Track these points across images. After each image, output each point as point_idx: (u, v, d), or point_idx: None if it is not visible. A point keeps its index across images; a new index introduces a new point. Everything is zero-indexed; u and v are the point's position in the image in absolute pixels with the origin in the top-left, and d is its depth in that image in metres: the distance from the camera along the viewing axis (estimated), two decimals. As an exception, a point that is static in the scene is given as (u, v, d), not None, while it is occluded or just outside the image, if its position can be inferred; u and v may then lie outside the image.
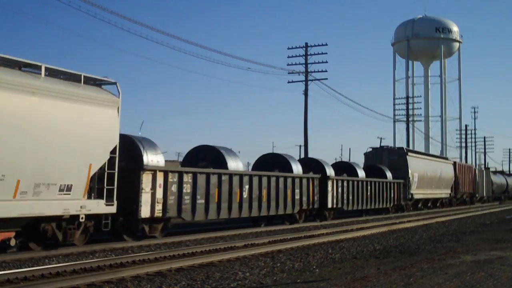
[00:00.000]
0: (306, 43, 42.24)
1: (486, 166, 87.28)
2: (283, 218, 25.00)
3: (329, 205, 27.45)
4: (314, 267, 12.72)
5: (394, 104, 65.92)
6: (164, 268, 11.76)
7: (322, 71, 42.17)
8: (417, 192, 41.47)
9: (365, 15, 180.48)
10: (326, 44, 42.09)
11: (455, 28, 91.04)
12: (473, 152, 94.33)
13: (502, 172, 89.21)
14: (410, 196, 39.65)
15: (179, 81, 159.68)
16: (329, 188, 27.55)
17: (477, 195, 59.60)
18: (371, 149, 42.21)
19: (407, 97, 63.00)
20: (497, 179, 72.73)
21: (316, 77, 42.37)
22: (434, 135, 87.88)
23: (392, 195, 35.82)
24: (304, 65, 42.20)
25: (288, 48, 42.61)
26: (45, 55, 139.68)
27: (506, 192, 79.11)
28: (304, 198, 25.30)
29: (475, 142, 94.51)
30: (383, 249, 16.43)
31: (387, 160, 40.00)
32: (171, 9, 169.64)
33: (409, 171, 39.74)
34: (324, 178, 27.31)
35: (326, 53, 42.61)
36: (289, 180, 24.19)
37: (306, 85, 41.87)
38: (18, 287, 9.57)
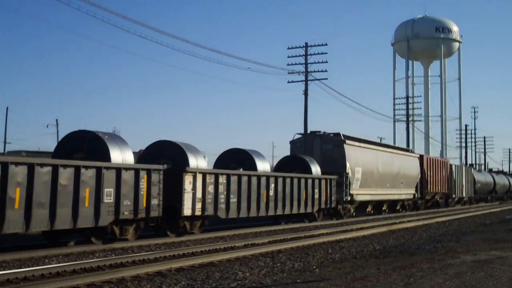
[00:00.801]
0: (306, 43, 42.23)
1: (486, 166, 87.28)
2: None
3: (185, 213, 18.50)
4: (314, 267, 12.72)
5: (394, 104, 65.93)
6: (164, 268, 11.76)
7: (322, 71, 42.16)
8: (361, 193, 32.05)
9: (365, 15, 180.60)
10: (326, 44, 42.08)
11: (455, 28, 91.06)
12: (473, 152, 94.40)
13: (490, 171, 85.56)
14: (349, 198, 30.23)
15: (179, 81, 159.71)
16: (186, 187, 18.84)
17: (454, 196, 50.76)
18: (299, 136, 33.34)
19: (407, 97, 62.98)
20: (482, 177, 64.11)
21: (316, 77, 42.34)
22: (434, 135, 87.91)
23: (318, 196, 26.49)
24: (304, 65, 42.20)
25: (288, 48, 42.61)
26: (45, 55, 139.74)
27: (493, 193, 70.74)
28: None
29: (475, 142, 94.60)
30: (383, 249, 16.44)
31: (319, 150, 30.98)
32: (171, 9, 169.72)
33: (347, 165, 30.26)
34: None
35: (326, 53, 42.57)
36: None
37: (306, 85, 41.88)
38: (18, 287, 9.57)
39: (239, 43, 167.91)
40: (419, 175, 41.26)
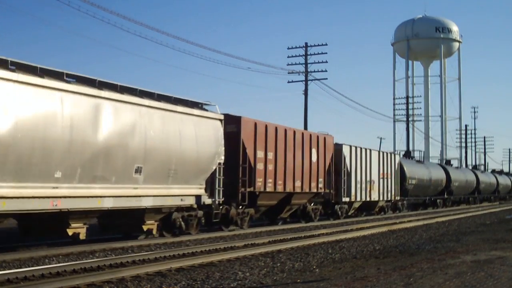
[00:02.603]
0: (306, 43, 42.28)
1: (486, 167, 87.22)
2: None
3: None
4: (314, 267, 12.72)
5: (394, 104, 66.01)
6: (164, 268, 11.75)
7: (322, 71, 42.21)
8: None
9: (365, 15, 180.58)
10: (326, 44, 42.15)
11: (455, 28, 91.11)
12: (473, 152, 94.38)
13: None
14: None
15: (179, 81, 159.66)
16: None
17: (345, 199, 28.84)
18: None
19: (407, 97, 63.03)
20: (419, 171, 42.87)
21: (316, 77, 42.42)
22: (434, 135, 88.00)
23: None
24: (304, 65, 42.22)
25: (288, 48, 42.67)
26: (44, 55, 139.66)
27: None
28: None
29: (475, 142, 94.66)
30: (383, 249, 16.44)
31: None
32: (171, 9, 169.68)
33: None
34: None
35: (326, 53, 42.72)
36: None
37: (306, 85, 41.90)
38: (18, 287, 9.56)
39: (239, 43, 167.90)
40: (215, 160, 18.39)
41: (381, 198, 34.09)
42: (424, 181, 43.83)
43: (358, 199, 30.77)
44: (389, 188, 35.04)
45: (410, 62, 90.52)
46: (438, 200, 48.36)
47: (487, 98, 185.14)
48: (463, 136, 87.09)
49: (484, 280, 10.53)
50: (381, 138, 52.48)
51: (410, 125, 61.01)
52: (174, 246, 16.06)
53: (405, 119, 61.37)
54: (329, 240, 18.47)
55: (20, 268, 11.45)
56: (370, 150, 32.75)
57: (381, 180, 33.82)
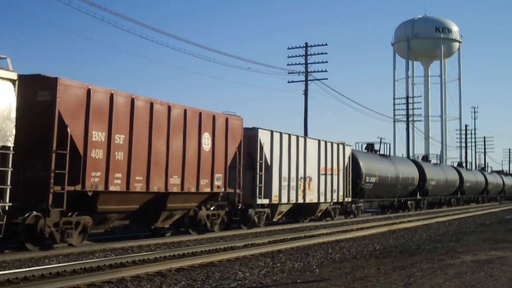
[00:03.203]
0: (306, 43, 42.26)
1: (486, 166, 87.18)
2: None
3: None
4: (314, 267, 12.72)
5: (394, 104, 65.98)
6: (164, 268, 11.75)
7: (322, 71, 42.19)
8: None
9: (365, 15, 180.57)
10: (326, 44, 42.13)
11: (455, 28, 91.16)
12: (473, 152, 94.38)
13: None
14: None
15: (179, 81, 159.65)
16: None
17: (263, 202, 22.54)
18: None
19: (407, 97, 63.03)
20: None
21: (316, 77, 42.40)
22: (434, 135, 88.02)
23: None
24: (304, 65, 42.21)
25: (288, 48, 42.65)
26: (44, 55, 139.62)
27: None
28: None
29: (475, 142, 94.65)
30: (383, 249, 16.44)
31: None
32: (171, 9, 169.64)
33: None
34: None
35: (326, 53, 42.67)
36: None
37: (306, 85, 41.89)
38: (18, 287, 9.56)
39: (239, 42, 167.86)
40: (10, 138, 12.50)
41: (323, 200, 26.73)
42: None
43: (285, 200, 23.64)
44: (335, 187, 27.86)
45: (410, 62, 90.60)
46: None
47: (487, 98, 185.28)
48: (463, 136, 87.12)
49: (484, 280, 10.53)
50: (381, 138, 52.38)
51: (410, 125, 61.05)
52: (174, 246, 16.06)
53: (405, 119, 61.41)
54: (329, 240, 18.48)
55: (20, 268, 11.45)
56: (305, 138, 25.96)
57: (322, 177, 26.68)
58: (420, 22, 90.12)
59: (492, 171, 78.88)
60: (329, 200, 27.52)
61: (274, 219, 24.10)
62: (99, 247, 14.98)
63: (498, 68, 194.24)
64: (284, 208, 24.24)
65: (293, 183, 24.25)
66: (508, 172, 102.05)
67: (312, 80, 42.18)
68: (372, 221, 29.20)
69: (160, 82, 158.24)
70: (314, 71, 42.18)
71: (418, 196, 42.46)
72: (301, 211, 26.32)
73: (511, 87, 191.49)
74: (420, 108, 69.84)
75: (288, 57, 42.53)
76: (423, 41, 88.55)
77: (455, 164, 67.33)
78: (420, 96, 73.06)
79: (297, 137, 25.06)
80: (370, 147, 38.56)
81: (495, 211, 43.28)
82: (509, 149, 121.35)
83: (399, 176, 37.77)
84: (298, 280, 10.77)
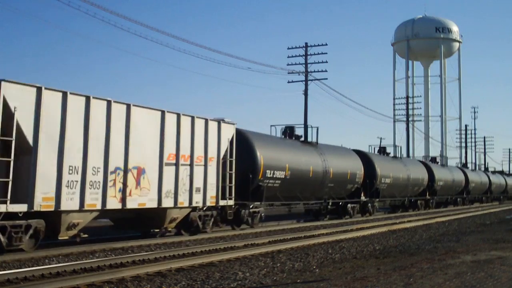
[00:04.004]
0: (306, 43, 42.22)
1: (486, 166, 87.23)
2: None
3: None
4: (314, 267, 12.72)
5: (394, 104, 65.96)
6: (164, 268, 11.75)
7: (322, 71, 42.17)
8: None
9: (365, 15, 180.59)
10: (326, 44, 42.09)
11: (455, 28, 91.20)
12: (473, 152, 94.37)
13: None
14: None
15: (179, 81, 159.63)
16: None
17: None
18: None
19: (407, 97, 63.02)
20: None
21: (316, 77, 42.36)
22: (434, 135, 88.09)
23: None
24: (304, 65, 42.20)
25: (288, 48, 42.61)
26: (44, 55, 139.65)
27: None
28: None
29: (475, 142, 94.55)
30: (383, 249, 16.43)
31: None
32: (172, 9, 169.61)
33: None
34: None
35: (326, 53, 42.60)
36: None
37: (306, 85, 41.87)
38: (18, 287, 9.56)
39: (239, 43, 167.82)
40: None
41: (170, 204, 17.38)
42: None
43: (75, 206, 14.22)
44: (200, 185, 18.71)
45: (410, 62, 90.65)
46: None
47: (487, 98, 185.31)
48: (463, 136, 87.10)
49: (484, 280, 10.53)
50: (381, 138, 52.27)
51: (410, 125, 61.00)
52: (174, 246, 16.06)
53: (405, 119, 61.39)
54: (329, 240, 18.47)
55: (20, 268, 11.46)
56: (132, 108, 16.07)
57: (169, 169, 17.41)
58: (420, 22, 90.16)
59: (495, 172, 79.33)
60: (186, 203, 18.12)
61: (61, 237, 14.47)
62: (99, 247, 14.98)
63: (498, 68, 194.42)
64: (78, 218, 14.58)
65: (95, 178, 14.83)
66: (508, 172, 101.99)
67: (312, 80, 42.16)
68: (372, 221, 29.18)
69: (160, 82, 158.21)
70: (314, 71, 42.16)
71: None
72: (140, 221, 17.84)
73: (511, 87, 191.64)
74: (420, 108, 69.83)
75: (288, 57, 42.52)
76: (423, 41, 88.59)
77: (455, 164, 67.85)
78: (420, 96, 73.01)
79: (111, 102, 15.38)
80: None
81: (495, 211, 43.27)
82: (509, 149, 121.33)
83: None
84: (298, 280, 10.77)
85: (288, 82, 43.09)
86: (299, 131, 28.52)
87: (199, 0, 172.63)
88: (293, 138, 27.86)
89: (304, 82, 42.05)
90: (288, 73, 42.39)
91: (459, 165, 71.14)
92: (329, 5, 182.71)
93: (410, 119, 61.11)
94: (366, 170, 32.14)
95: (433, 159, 53.41)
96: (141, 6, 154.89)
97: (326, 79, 43.51)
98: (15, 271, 10.61)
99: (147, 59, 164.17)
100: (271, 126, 27.05)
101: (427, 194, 43.98)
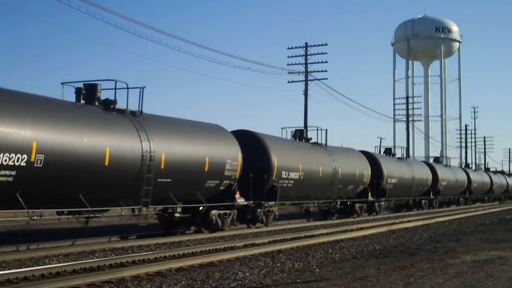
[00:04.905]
0: (306, 43, 42.30)
1: (486, 167, 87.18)
2: None
3: None
4: (314, 267, 12.72)
5: (394, 104, 66.01)
6: (164, 268, 11.76)
7: (322, 71, 42.24)
8: None
9: (365, 15, 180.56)
10: (326, 44, 42.18)
11: (455, 28, 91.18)
12: (473, 152, 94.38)
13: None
14: None
15: (179, 81, 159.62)
16: None
17: None
18: None
19: (407, 97, 63.05)
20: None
21: (316, 77, 42.45)
22: (434, 135, 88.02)
23: None
24: (304, 65, 42.24)
25: (288, 48, 42.69)
26: (44, 55, 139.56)
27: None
28: None
29: (475, 142, 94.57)
30: (383, 249, 16.44)
31: None
32: (172, 9, 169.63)
33: None
34: None
35: (326, 53, 42.72)
36: None
37: (306, 85, 41.92)
38: (18, 287, 9.56)
39: (239, 43, 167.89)
40: None
41: None
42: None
43: None
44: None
45: (410, 62, 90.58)
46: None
47: (487, 98, 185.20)
48: (463, 136, 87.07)
49: (484, 280, 10.54)
50: (381, 138, 52.24)
51: (410, 125, 61.04)
52: (174, 246, 16.07)
53: (405, 119, 61.40)
54: (329, 240, 18.48)
55: (20, 268, 11.46)
56: None
57: None
58: (420, 22, 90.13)
59: (496, 172, 79.58)
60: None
61: None
62: (99, 247, 14.99)
63: (498, 68, 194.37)
64: None
65: None
66: (508, 172, 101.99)
67: (312, 80, 42.24)
68: (372, 221, 29.18)
69: (160, 82, 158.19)
70: (314, 71, 42.24)
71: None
72: None
73: (511, 87, 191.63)
74: (420, 108, 69.89)
75: (288, 57, 42.58)
76: (423, 41, 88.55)
77: (456, 165, 68.09)
78: (420, 96, 73.12)
79: None
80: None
81: (495, 211, 43.28)
82: (509, 149, 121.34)
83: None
84: (298, 280, 10.78)
85: (288, 82, 43.20)
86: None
87: (199, 0, 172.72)
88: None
89: (304, 82, 42.09)
90: (288, 73, 42.48)
91: (459, 165, 71.30)
92: (329, 5, 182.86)
93: (410, 119, 61.14)
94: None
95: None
96: (141, 6, 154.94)
97: (326, 79, 43.56)
98: (15, 271, 10.61)
99: (146, 59, 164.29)
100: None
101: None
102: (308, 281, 10.60)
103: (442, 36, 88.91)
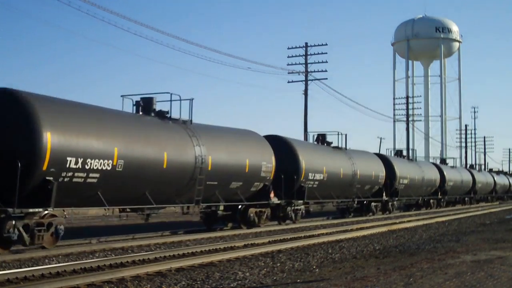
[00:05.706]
0: (306, 43, 42.30)
1: (486, 167, 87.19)
2: None
3: None
4: (314, 267, 12.73)
5: (394, 104, 65.92)
6: (164, 268, 11.76)
7: (322, 71, 42.24)
8: None
9: (365, 15, 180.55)
10: (326, 44, 42.18)
11: (455, 28, 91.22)
12: (473, 152, 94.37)
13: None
14: None
15: (178, 81, 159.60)
16: None
17: None
18: None
19: (407, 97, 63.01)
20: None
21: (316, 77, 42.44)
22: (434, 135, 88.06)
23: None
24: (304, 65, 42.24)
25: (288, 48, 42.69)
26: (44, 55, 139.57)
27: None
28: None
29: (475, 142, 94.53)
30: (383, 249, 16.44)
31: None
32: (171, 8, 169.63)
33: None
34: None
35: (326, 53, 42.71)
36: None
37: (306, 85, 41.93)
38: (18, 287, 9.57)
39: (239, 43, 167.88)
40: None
41: None
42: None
43: None
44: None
45: (410, 62, 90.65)
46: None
47: (487, 98, 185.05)
48: (463, 136, 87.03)
49: (484, 280, 10.54)
50: (381, 138, 52.24)
51: (410, 125, 60.99)
52: (174, 246, 16.07)
53: (405, 119, 61.38)
54: (329, 240, 18.48)
55: (20, 268, 11.46)
56: None
57: None
58: (420, 22, 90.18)
59: (499, 172, 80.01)
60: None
61: None
62: (99, 247, 14.99)
63: (498, 67, 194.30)
64: None
65: None
66: (508, 172, 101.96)
67: (312, 80, 42.24)
68: (372, 221, 29.19)
69: (160, 82, 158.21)
70: (314, 71, 42.24)
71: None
72: None
73: (511, 87, 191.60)
74: (420, 108, 69.86)
75: (288, 57, 42.58)
76: (423, 41, 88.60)
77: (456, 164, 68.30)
78: (420, 96, 73.12)
79: None
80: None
81: (495, 211, 43.28)
82: (509, 149, 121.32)
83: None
84: (298, 280, 10.78)
85: (288, 82, 43.20)
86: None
87: (199, 0, 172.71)
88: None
89: (304, 82, 42.09)
90: (288, 73, 42.48)
91: (458, 165, 71.33)
92: (329, 5, 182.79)
93: (410, 119, 61.11)
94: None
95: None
96: (141, 6, 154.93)
97: (326, 79, 43.57)
98: (15, 271, 10.62)
99: (146, 59, 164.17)
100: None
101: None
102: (308, 281, 10.61)
103: (442, 36, 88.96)
